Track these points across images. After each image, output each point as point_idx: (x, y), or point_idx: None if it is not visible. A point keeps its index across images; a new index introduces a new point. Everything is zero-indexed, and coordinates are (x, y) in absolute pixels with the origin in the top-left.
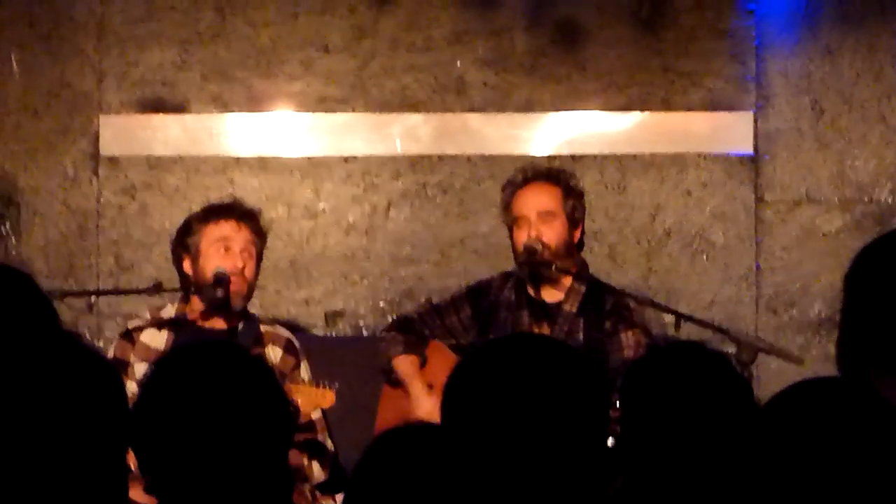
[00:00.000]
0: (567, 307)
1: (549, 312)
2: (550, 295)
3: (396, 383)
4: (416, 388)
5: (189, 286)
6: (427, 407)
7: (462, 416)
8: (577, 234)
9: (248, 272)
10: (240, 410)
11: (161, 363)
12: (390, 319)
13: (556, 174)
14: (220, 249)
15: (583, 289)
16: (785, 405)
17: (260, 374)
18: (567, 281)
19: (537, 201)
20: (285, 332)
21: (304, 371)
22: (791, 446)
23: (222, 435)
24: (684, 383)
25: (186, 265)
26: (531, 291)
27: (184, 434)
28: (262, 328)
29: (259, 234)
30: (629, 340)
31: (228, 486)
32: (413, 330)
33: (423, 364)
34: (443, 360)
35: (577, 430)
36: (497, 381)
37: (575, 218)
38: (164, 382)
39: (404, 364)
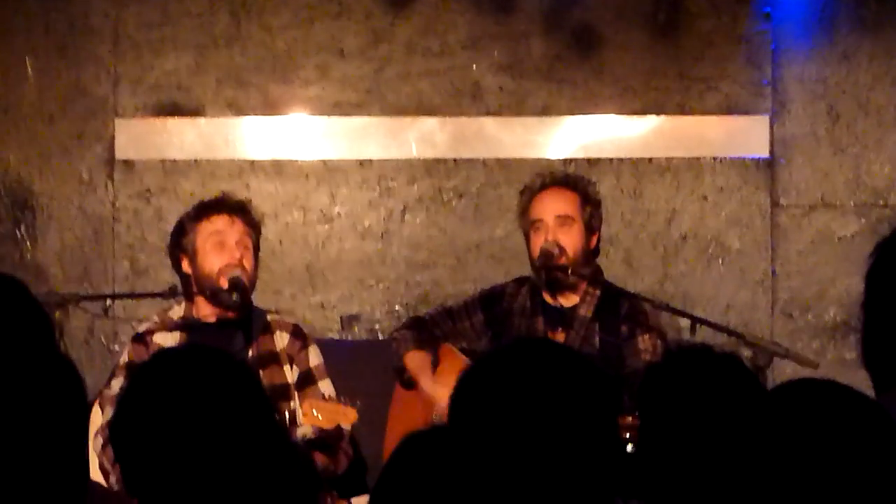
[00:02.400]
0: (582, 312)
1: (564, 318)
2: (566, 300)
3: (409, 383)
4: (427, 381)
5: (191, 286)
6: (442, 395)
7: (471, 420)
8: (594, 242)
9: (248, 263)
10: (221, 416)
11: (141, 370)
12: None
13: (574, 180)
14: (216, 244)
15: (598, 293)
16: (788, 402)
17: (242, 378)
18: (582, 286)
19: (555, 206)
20: (291, 319)
21: (314, 355)
22: (798, 443)
23: (204, 441)
24: (699, 386)
25: (185, 265)
26: (546, 297)
27: (165, 442)
28: (269, 317)
29: (252, 226)
30: (646, 344)
31: (215, 493)
32: (425, 329)
33: (434, 364)
34: (454, 362)
35: (583, 435)
36: (505, 385)
37: (592, 225)
38: (144, 390)
39: (415, 360)
